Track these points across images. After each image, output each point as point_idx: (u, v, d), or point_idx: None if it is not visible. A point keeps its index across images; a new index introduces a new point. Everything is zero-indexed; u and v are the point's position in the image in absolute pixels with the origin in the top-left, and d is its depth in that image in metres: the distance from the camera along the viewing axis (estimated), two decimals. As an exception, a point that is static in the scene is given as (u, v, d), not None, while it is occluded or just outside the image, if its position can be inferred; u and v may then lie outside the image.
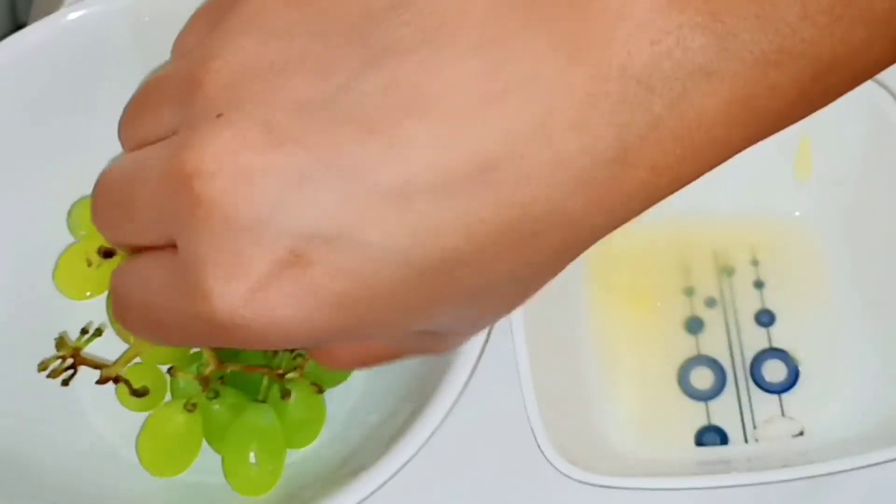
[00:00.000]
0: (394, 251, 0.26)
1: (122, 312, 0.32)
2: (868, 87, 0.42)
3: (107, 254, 0.42)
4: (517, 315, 0.40)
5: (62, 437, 0.43)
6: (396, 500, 0.41)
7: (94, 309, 0.43)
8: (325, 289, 0.26)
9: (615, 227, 0.27)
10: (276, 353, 0.42)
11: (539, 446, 0.38)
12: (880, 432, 0.40)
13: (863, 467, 0.38)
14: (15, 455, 0.42)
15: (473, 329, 0.31)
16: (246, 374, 0.42)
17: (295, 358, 0.42)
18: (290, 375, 0.41)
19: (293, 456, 0.42)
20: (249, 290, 0.26)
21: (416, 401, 0.38)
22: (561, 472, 0.38)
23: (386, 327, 0.28)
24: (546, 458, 0.38)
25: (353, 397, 0.43)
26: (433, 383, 0.38)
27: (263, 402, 0.41)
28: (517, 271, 0.28)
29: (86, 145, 0.44)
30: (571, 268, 0.44)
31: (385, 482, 0.36)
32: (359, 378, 0.44)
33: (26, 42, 0.43)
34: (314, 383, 0.41)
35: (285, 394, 0.41)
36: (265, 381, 0.42)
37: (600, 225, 0.27)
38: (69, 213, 0.44)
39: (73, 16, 0.43)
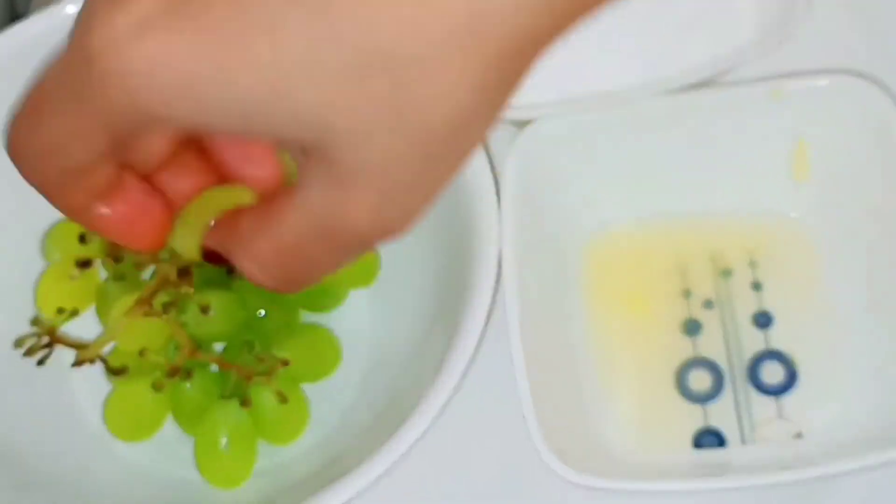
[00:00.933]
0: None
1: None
2: (864, 87, 0.42)
3: (84, 264, 0.42)
4: (514, 317, 0.40)
5: (57, 435, 0.43)
6: (392, 500, 0.41)
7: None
8: (206, 39, 0.25)
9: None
10: (250, 349, 0.42)
11: (536, 449, 0.38)
12: (878, 434, 0.40)
13: (861, 469, 0.38)
14: (8, 451, 0.42)
15: None
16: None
17: (270, 359, 0.42)
18: (256, 379, 0.41)
19: (285, 455, 0.43)
20: (131, 26, 0.26)
21: (409, 401, 0.38)
22: (558, 475, 0.38)
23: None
24: (543, 461, 0.38)
25: (347, 399, 0.43)
26: (425, 385, 0.38)
27: (229, 398, 0.42)
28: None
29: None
30: (568, 269, 0.44)
31: (372, 482, 0.36)
32: (355, 377, 0.44)
33: (25, 34, 0.43)
34: (279, 392, 0.41)
35: (245, 401, 0.41)
36: (233, 379, 0.42)
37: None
38: (46, 237, 0.44)
39: (71, 8, 0.43)
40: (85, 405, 0.44)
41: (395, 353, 0.43)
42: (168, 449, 0.43)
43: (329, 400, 0.43)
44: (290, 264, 0.30)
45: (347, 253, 0.30)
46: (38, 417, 0.43)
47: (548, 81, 0.45)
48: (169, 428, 0.43)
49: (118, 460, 0.43)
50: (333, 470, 0.38)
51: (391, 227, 0.29)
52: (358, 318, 0.45)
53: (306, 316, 0.45)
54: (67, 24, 0.42)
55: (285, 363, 0.42)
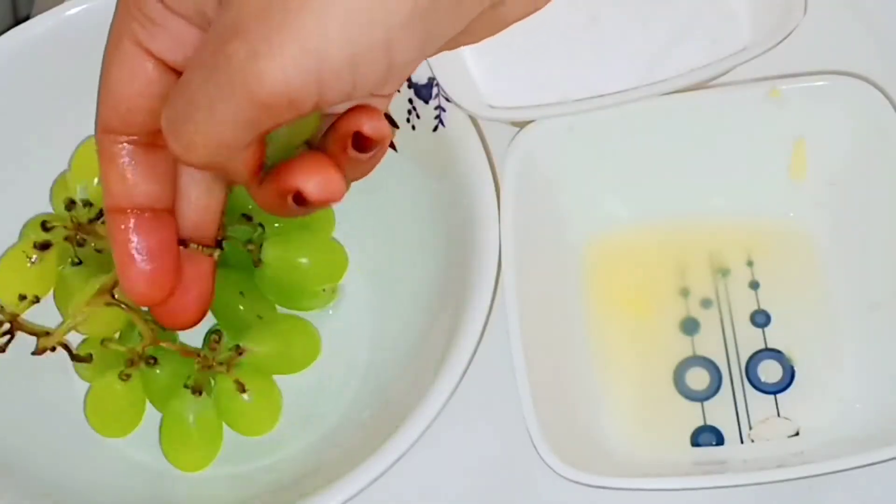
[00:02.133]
0: None
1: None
2: (862, 88, 0.42)
3: (43, 246, 0.42)
4: (513, 316, 0.40)
5: (55, 433, 0.43)
6: (392, 499, 0.41)
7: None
8: None
9: None
10: (217, 340, 0.42)
11: (535, 447, 0.38)
12: (875, 432, 0.40)
13: (858, 467, 0.38)
14: (7, 451, 0.42)
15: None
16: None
17: (227, 350, 0.42)
18: (217, 368, 0.42)
19: (283, 453, 0.43)
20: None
21: (409, 400, 0.38)
22: (557, 473, 0.38)
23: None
24: (542, 459, 0.38)
25: (346, 397, 0.44)
26: (425, 384, 0.38)
27: (190, 388, 0.42)
28: None
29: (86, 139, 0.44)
30: (568, 269, 0.45)
31: (371, 482, 0.37)
32: (354, 376, 0.44)
33: (28, 35, 0.43)
34: (237, 380, 0.42)
35: (196, 389, 0.42)
36: (196, 367, 0.42)
37: None
38: (25, 225, 0.44)
39: (74, 10, 0.43)
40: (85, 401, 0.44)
41: (394, 353, 0.43)
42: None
43: (328, 398, 0.43)
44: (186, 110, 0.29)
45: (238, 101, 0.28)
46: (34, 414, 0.43)
47: (548, 81, 0.45)
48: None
49: (116, 454, 0.43)
50: (332, 469, 0.38)
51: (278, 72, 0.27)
52: (357, 317, 0.45)
53: (308, 315, 0.45)
54: (69, 26, 0.43)
55: (241, 352, 0.42)
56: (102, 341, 0.42)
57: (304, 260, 0.44)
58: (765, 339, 0.44)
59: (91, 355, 0.42)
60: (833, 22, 0.48)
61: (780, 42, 0.42)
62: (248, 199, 0.42)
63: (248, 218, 0.43)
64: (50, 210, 0.45)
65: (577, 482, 0.38)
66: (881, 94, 0.42)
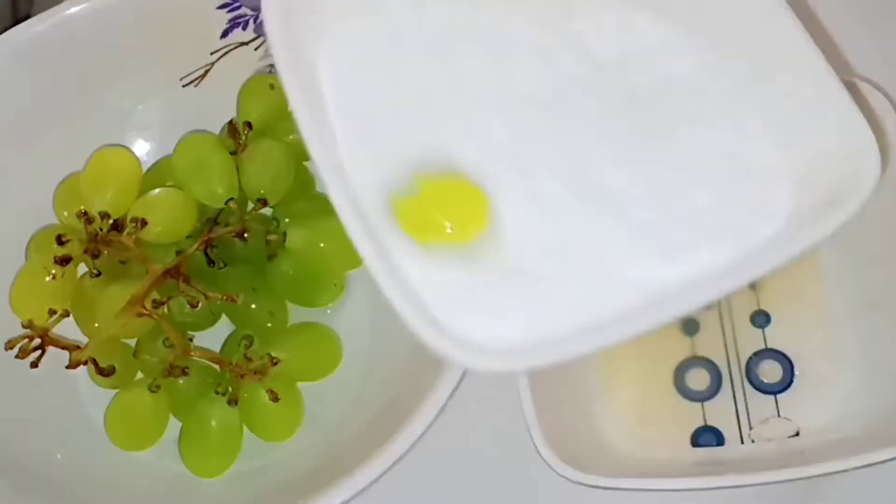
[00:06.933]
0: None
1: None
2: (861, 88, 0.42)
3: (64, 260, 0.42)
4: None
5: (61, 431, 0.43)
6: (392, 500, 0.41)
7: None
8: None
9: None
10: (249, 345, 0.42)
11: (536, 447, 0.38)
12: (876, 433, 0.40)
13: (858, 468, 0.38)
14: (13, 448, 0.42)
15: None
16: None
17: (261, 358, 0.42)
18: (249, 377, 0.42)
19: (283, 453, 0.43)
20: None
21: (409, 400, 0.38)
22: (558, 473, 0.38)
23: None
24: (543, 459, 0.38)
25: (346, 397, 0.44)
26: (425, 384, 0.38)
27: (223, 394, 0.42)
28: None
29: (85, 138, 0.44)
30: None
31: (372, 482, 0.37)
32: (354, 375, 0.44)
33: (28, 34, 0.43)
34: (271, 390, 0.41)
35: (233, 400, 0.41)
36: (227, 375, 0.42)
37: None
38: (31, 239, 0.44)
39: (74, 10, 0.43)
40: (88, 401, 0.44)
41: (394, 353, 0.43)
42: (173, 446, 0.43)
43: (328, 398, 0.43)
44: None
45: None
46: (41, 415, 0.43)
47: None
48: (173, 426, 0.43)
49: (115, 454, 0.43)
50: (332, 469, 0.38)
51: None
52: (358, 317, 0.45)
53: (308, 314, 0.45)
54: (69, 26, 0.43)
55: (275, 362, 0.42)
56: (135, 353, 0.42)
57: (329, 243, 0.44)
58: (765, 339, 0.44)
59: (114, 368, 0.42)
60: (834, 26, 0.48)
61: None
62: (262, 182, 0.43)
63: (263, 202, 0.43)
64: (51, 211, 0.45)
65: (577, 482, 0.38)
66: (883, 97, 0.42)
